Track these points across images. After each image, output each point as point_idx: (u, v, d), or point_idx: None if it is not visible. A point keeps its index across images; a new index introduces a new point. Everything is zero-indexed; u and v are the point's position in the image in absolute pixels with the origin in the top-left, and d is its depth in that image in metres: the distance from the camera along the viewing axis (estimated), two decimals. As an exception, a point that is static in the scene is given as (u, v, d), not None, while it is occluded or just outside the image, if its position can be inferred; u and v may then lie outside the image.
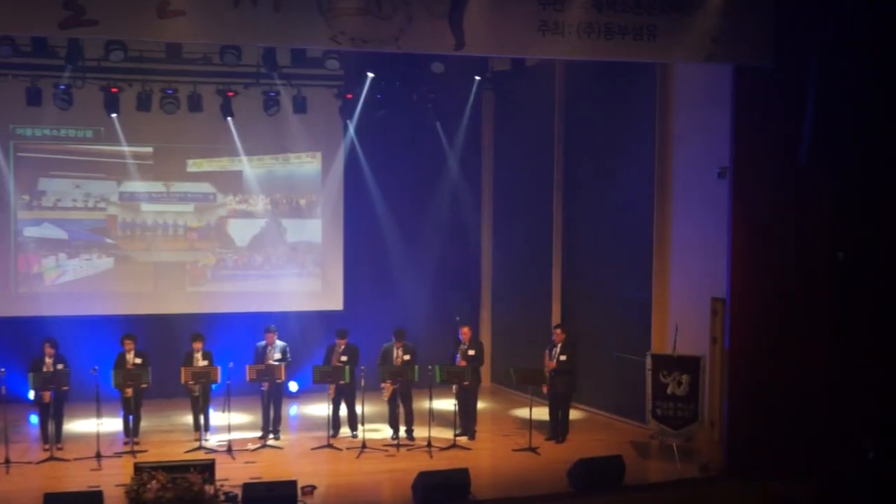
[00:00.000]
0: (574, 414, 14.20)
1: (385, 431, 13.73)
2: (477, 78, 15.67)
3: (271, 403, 13.52)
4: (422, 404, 13.61)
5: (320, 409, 14.23)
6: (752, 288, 11.80)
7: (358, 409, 13.48)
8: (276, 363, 13.37)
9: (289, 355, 13.66)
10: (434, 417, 13.40)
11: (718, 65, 11.78)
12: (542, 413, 13.67)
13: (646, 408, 13.03)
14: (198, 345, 13.43)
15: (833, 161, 11.41)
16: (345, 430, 13.76)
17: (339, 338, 13.63)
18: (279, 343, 13.63)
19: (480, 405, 14.43)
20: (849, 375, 11.65)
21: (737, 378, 11.91)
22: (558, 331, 13.82)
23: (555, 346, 13.62)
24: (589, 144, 15.54)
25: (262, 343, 13.60)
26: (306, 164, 16.74)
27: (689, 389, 12.63)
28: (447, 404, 13.78)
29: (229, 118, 15.48)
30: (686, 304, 13.79)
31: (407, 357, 13.43)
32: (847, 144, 11.27)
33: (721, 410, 12.76)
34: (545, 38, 10.74)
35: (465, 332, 13.80)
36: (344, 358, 13.46)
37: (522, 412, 14.35)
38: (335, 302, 16.83)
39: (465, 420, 13.66)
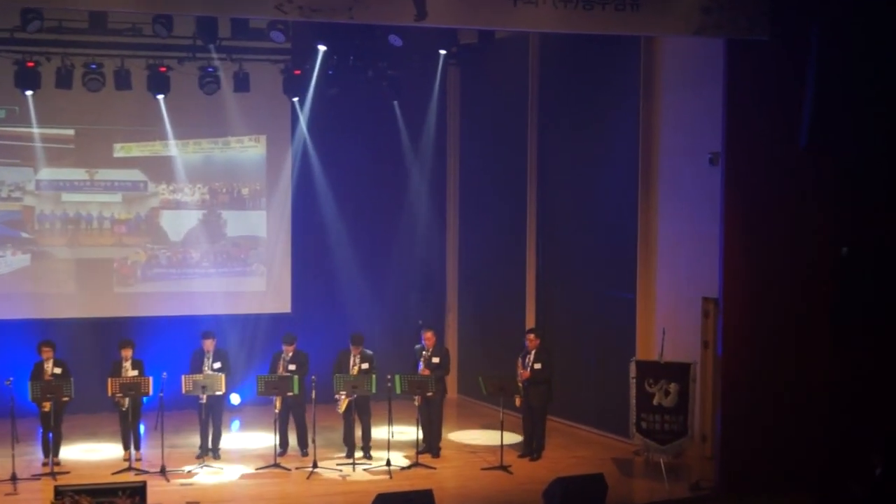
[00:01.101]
0: (550, 428, 14.25)
1: (339, 449, 13.73)
2: (441, 52, 15.67)
3: (210, 418, 13.49)
4: (380, 418, 13.61)
5: (265, 424, 14.18)
6: (747, 287, 11.91)
7: (308, 424, 13.46)
8: (216, 373, 13.33)
9: (230, 364, 13.62)
10: (394, 433, 13.40)
11: (709, 39, 11.86)
12: (514, 428, 13.72)
13: (630, 420, 13.12)
14: (126, 352, 13.36)
15: (835, 144, 11.51)
16: (293, 448, 13.76)
17: (287, 344, 13.62)
18: (219, 350, 13.60)
19: (446, 419, 14.46)
20: (853, 383, 11.76)
21: (730, 387, 12.00)
22: (532, 336, 13.86)
23: (528, 352, 13.68)
24: (566, 128, 15.61)
25: (200, 350, 13.56)
26: (249, 149, 16.70)
27: (678, 400, 12.74)
28: (409, 419, 13.78)
29: (161, 97, 15.38)
30: (674, 304, 13.90)
31: (365, 365, 13.44)
32: (851, 125, 11.36)
33: (713, 423, 12.85)
34: (517, 8, 10.77)
35: (428, 337, 13.83)
36: (292, 367, 13.45)
37: (493, 427, 14.37)
38: (282, 304, 16.81)
39: (429, 436, 13.69)
